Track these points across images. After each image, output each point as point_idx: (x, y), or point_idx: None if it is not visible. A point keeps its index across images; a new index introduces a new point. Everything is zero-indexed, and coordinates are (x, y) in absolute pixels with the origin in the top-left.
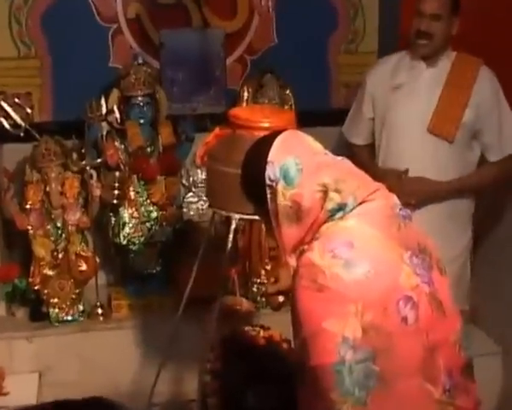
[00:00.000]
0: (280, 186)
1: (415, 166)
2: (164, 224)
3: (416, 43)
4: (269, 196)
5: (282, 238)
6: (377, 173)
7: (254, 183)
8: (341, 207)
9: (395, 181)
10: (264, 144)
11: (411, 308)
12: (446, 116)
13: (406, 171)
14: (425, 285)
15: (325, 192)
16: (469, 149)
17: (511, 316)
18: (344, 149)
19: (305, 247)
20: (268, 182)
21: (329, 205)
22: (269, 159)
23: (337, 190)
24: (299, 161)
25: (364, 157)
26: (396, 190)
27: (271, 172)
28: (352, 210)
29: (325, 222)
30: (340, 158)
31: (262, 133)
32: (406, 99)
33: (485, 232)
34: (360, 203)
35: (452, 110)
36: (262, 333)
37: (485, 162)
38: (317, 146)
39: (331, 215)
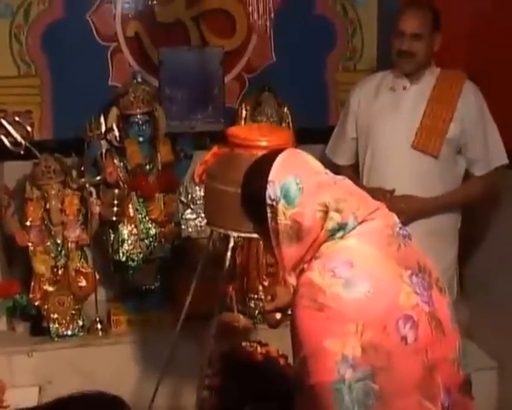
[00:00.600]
0: (280, 205)
1: (400, 184)
2: (162, 240)
3: (398, 62)
4: (269, 215)
5: (282, 257)
6: None
7: (255, 202)
8: (342, 227)
9: (381, 200)
10: (265, 163)
11: (411, 328)
12: (431, 132)
13: (392, 191)
14: (424, 304)
15: (326, 212)
16: (455, 163)
17: (506, 330)
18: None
19: (305, 266)
20: (268, 201)
21: (330, 225)
22: (269, 178)
23: (337, 210)
24: (299, 181)
25: (348, 177)
26: None
27: (272, 191)
28: (352, 230)
29: (325, 241)
30: (340, 177)
31: (260, 152)
32: (390, 117)
33: (475, 246)
34: (360, 222)
35: (437, 126)
36: (259, 349)
37: (470, 176)
38: (318, 165)
39: (331, 235)
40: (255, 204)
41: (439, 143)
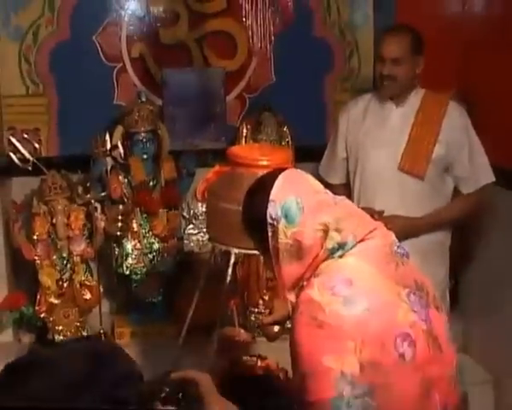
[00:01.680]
0: (281, 225)
1: (389, 205)
2: (165, 255)
3: (381, 86)
4: (270, 233)
5: (282, 275)
6: None
7: (256, 221)
8: (341, 246)
9: None
10: (266, 183)
11: (409, 345)
12: (417, 154)
13: (381, 212)
14: (422, 322)
15: (326, 231)
16: (442, 183)
17: (501, 345)
18: None
19: (305, 283)
20: (269, 220)
21: (330, 244)
22: (271, 198)
23: (337, 230)
24: (300, 200)
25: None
26: None
27: (273, 210)
28: (351, 248)
29: (325, 260)
30: (340, 197)
31: (261, 171)
32: (377, 139)
33: (468, 262)
34: (359, 241)
35: (422, 147)
36: (259, 363)
37: (458, 194)
38: (318, 185)
39: (331, 253)
40: (256, 223)
41: (424, 164)
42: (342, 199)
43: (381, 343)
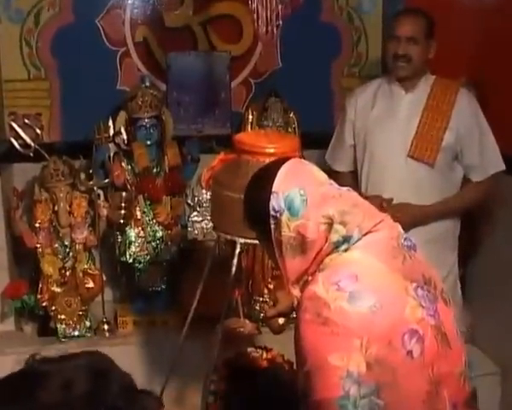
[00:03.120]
0: (284, 217)
1: (397, 192)
2: (169, 243)
3: (394, 66)
4: (272, 226)
5: (286, 269)
6: None
7: (258, 213)
8: (346, 240)
9: (378, 208)
10: (268, 174)
11: (416, 342)
12: (427, 141)
13: (390, 200)
14: (430, 318)
15: (330, 224)
16: (452, 170)
17: (509, 336)
18: None
19: (309, 278)
20: (272, 212)
21: (334, 237)
22: (273, 189)
23: (342, 223)
24: (303, 192)
25: (347, 184)
26: None
27: (276, 202)
28: (356, 242)
29: (329, 254)
30: (345, 189)
31: (267, 159)
32: (386, 126)
33: (476, 252)
34: (365, 234)
35: (432, 134)
36: (265, 355)
37: (467, 182)
38: (322, 176)
39: (336, 247)
40: (258, 215)
41: (434, 151)
42: (347, 190)
43: (388, 341)
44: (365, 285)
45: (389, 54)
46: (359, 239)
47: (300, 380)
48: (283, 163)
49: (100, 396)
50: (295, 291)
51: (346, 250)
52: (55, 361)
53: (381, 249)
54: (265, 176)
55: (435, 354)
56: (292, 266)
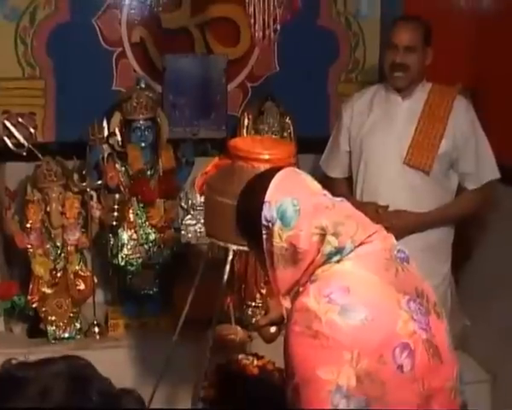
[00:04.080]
0: (276, 227)
1: (393, 199)
2: (162, 246)
3: (391, 76)
4: (264, 236)
5: (277, 280)
6: (355, 207)
7: (250, 222)
8: (339, 251)
9: (373, 215)
10: (261, 183)
11: (407, 356)
12: (423, 148)
13: (386, 207)
14: (422, 331)
15: (323, 235)
16: (447, 178)
17: (500, 344)
18: None
19: (300, 289)
20: (264, 222)
21: (327, 249)
22: (266, 199)
23: (335, 234)
24: (296, 202)
25: (342, 190)
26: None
27: (268, 212)
28: (349, 253)
29: (321, 265)
30: (338, 199)
31: (261, 165)
32: (382, 132)
33: (470, 260)
34: (358, 246)
35: (429, 142)
36: (255, 362)
37: (463, 191)
38: (316, 186)
39: (328, 258)
40: (250, 224)
41: (430, 159)
42: (341, 201)
43: (379, 354)
44: (357, 298)
45: (387, 62)
46: (352, 251)
47: (289, 392)
48: (277, 172)
49: (78, 403)
50: (286, 302)
51: (338, 262)
52: (32, 367)
53: (374, 261)
54: (258, 185)
55: (426, 369)
56: (283, 277)
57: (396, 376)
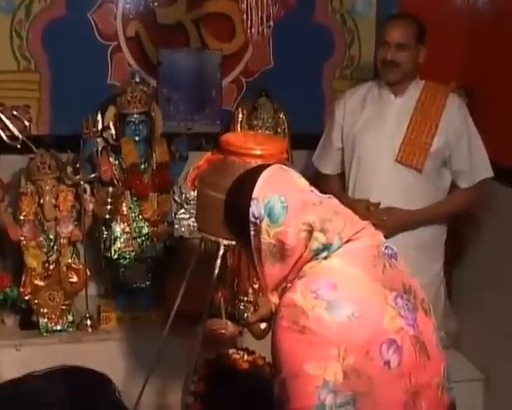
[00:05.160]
0: (264, 224)
1: (385, 197)
2: (155, 240)
3: (383, 72)
4: (252, 232)
5: (265, 276)
6: (346, 204)
7: (238, 218)
8: (326, 247)
9: (364, 212)
10: (249, 180)
11: (394, 352)
12: (415, 145)
13: (377, 204)
14: (409, 328)
15: (310, 231)
16: (440, 176)
17: (493, 343)
18: None
19: (288, 285)
20: (252, 219)
21: (314, 245)
22: (253, 196)
23: (322, 230)
24: (284, 199)
25: (334, 187)
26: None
27: (256, 209)
28: (336, 250)
29: (309, 261)
30: (326, 196)
31: (253, 160)
32: (375, 130)
33: (463, 258)
34: (345, 242)
35: (421, 139)
36: (246, 357)
37: (455, 189)
38: (303, 183)
39: (315, 255)
40: (238, 221)
41: (422, 157)
42: (328, 198)
43: (365, 350)
44: (344, 294)
45: (378, 59)
46: (339, 247)
47: (276, 387)
48: (264, 169)
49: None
50: (274, 298)
51: (325, 258)
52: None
53: (361, 258)
54: (246, 182)
55: (413, 365)
56: (271, 273)
57: (383, 372)
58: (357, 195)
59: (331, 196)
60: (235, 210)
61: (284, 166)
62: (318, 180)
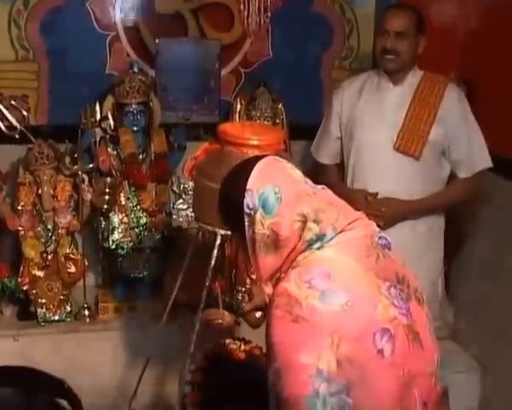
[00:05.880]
0: (258, 215)
1: (383, 186)
2: (153, 230)
3: (382, 60)
4: (246, 223)
5: (259, 266)
6: (344, 194)
7: (232, 209)
8: (320, 238)
9: (362, 202)
10: (243, 171)
11: (388, 341)
12: (413, 134)
13: (375, 194)
14: (403, 317)
15: (304, 222)
16: (439, 166)
17: (490, 334)
18: None
19: (282, 275)
20: (246, 210)
21: (308, 235)
22: (248, 187)
23: (316, 221)
24: (278, 190)
25: (332, 177)
26: (363, 211)
27: (250, 200)
28: (330, 240)
29: (303, 251)
30: (320, 187)
31: (251, 151)
32: (373, 119)
33: (461, 249)
34: (339, 233)
35: (419, 128)
36: (243, 347)
37: (454, 179)
38: (297, 174)
39: (309, 245)
40: (232, 212)
41: (420, 145)
42: (322, 188)
43: (359, 339)
44: (337, 284)
45: (377, 48)
46: (333, 237)
47: (270, 376)
48: (259, 160)
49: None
50: (268, 288)
51: (319, 248)
52: None
53: (355, 248)
54: (240, 173)
55: (406, 354)
56: (265, 264)
57: (376, 361)
58: (356, 184)
59: (325, 186)
60: (229, 201)
61: (278, 158)
62: (317, 170)
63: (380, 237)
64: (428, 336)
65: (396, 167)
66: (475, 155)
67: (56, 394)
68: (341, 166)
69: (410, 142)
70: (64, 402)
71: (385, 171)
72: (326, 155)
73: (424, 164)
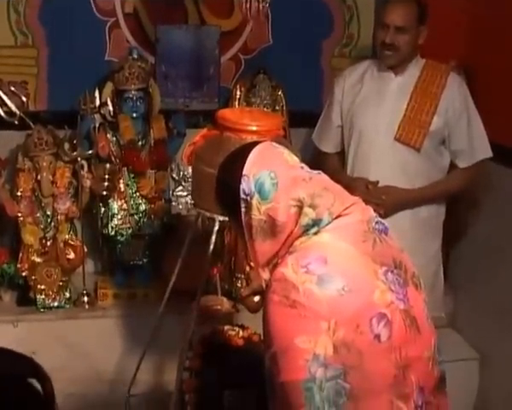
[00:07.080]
0: (255, 200)
1: (383, 175)
2: (152, 216)
3: (382, 54)
4: (243, 209)
5: (256, 252)
6: (345, 182)
7: (228, 195)
8: (316, 223)
9: (363, 190)
10: (239, 157)
11: (384, 326)
12: (414, 124)
13: (376, 183)
14: (400, 302)
15: (300, 207)
16: (439, 155)
17: (489, 322)
18: None
19: (279, 260)
20: (242, 196)
21: (304, 220)
22: (244, 172)
23: (312, 206)
24: (274, 175)
25: (333, 165)
26: (363, 199)
27: (246, 185)
28: (326, 225)
29: (299, 237)
30: (316, 172)
31: (249, 136)
32: (374, 108)
33: (461, 238)
34: (335, 218)
35: (420, 118)
36: (241, 333)
37: (454, 168)
38: (293, 159)
39: (306, 230)
40: (229, 198)
41: (421, 135)
42: (318, 174)
43: (355, 324)
44: (334, 268)
45: (377, 41)
46: (329, 222)
47: (267, 361)
48: (255, 146)
49: None
50: (265, 274)
51: (315, 233)
52: None
53: (351, 233)
54: (236, 159)
55: (403, 339)
56: (262, 249)
57: (373, 345)
58: (356, 172)
59: (321, 172)
60: (226, 187)
61: (275, 143)
62: (318, 158)
63: (377, 222)
64: (425, 320)
65: (396, 157)
66: (475, 145)
67: (25, 372)
68: (342, 155)
69: (411, 133)
70: (33, 381)
71: (385, 160)
72: (327, 143)
73: (424, 154)
